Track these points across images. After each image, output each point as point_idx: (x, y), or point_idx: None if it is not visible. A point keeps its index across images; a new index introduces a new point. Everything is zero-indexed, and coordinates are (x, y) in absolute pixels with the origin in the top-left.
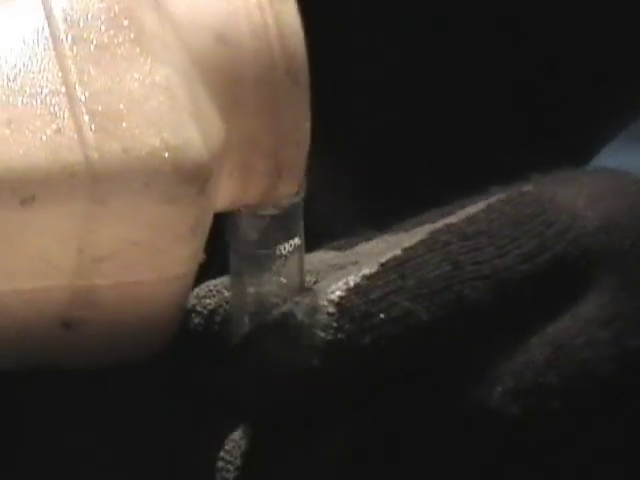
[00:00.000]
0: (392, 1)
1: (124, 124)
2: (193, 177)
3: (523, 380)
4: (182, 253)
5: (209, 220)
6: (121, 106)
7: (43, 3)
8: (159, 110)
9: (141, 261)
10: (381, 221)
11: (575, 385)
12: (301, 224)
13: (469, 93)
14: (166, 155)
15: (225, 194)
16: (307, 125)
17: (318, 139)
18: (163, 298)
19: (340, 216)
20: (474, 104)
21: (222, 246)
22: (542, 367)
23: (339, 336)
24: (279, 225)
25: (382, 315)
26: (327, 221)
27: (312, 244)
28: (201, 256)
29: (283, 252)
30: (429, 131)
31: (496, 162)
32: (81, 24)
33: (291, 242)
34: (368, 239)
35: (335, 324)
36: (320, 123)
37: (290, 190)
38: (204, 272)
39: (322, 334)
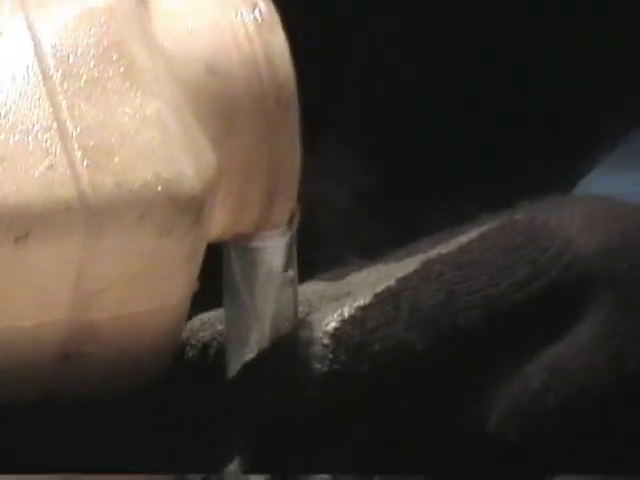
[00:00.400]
0: (392, 1)
1: (116, 158)
2: (187, 208)
3: (519, 406)
4: (178, 283)
5: (203, 249)
6: (113, 140)
7: (33, 39)
8: (151, 143)
9: (138, 293)
10: (380, 225)
11: (572, 408)
12: (294, 256)
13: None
14: (159, 188)
15: (219, 223)
16: (298, 153)
17: (316, 141)
18: (160, 328)
19: (340, 219)
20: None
21: (216, 276)
22: (538, 392)
23: (335, 367)
24: (274, 257)
25: (378, 345)
26: (326, 225)
27: (312, 250)
28: (195, 285)
29: (277, 284)
30: (429, 134)
31: (495, 164)
32: (71, 59)
33: (285, 274)
34: (359, 269)
35: (331, 355)
36: (319, 125)
37: (282, 218)
38: (199, 302)
39: (318, 365)
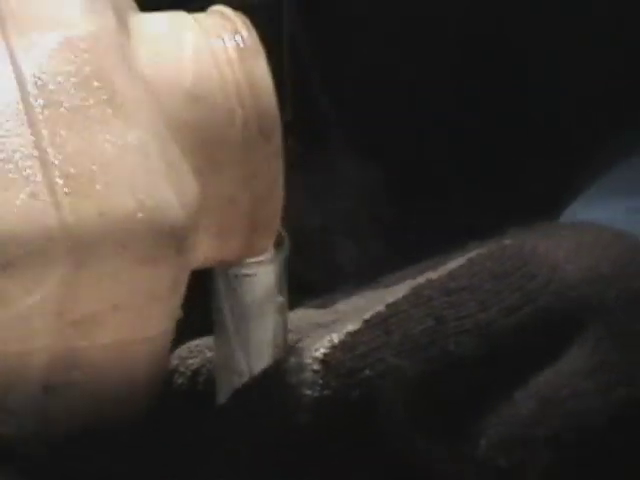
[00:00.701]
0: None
1: (98, 186)
2: (169, 237)
3: (508, 433)
4: (161, 312)
5: (186, 278)
6: (94, 168)
7: (13, 67)
8: (133, 171)
9: (120, 322)
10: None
11: (561, 437)
12: (284, 283)
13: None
14: (141, 216)
15: (202, 251)
16: (281, 181)
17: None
18: (143, 357)
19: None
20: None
21: (202, 303)
22: (527, 419)
23: (325, 393)
24: (261, 284)
25: (367, 371)
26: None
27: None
28: (179, 314)
29: (267, 311)
30: (428, 135)
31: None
32: (52, 87)
33: (275, 301)
34: (348, 296)
35: (321, 381)
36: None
37: (266, 246)
38: (186, 329)
39: (308, 392)
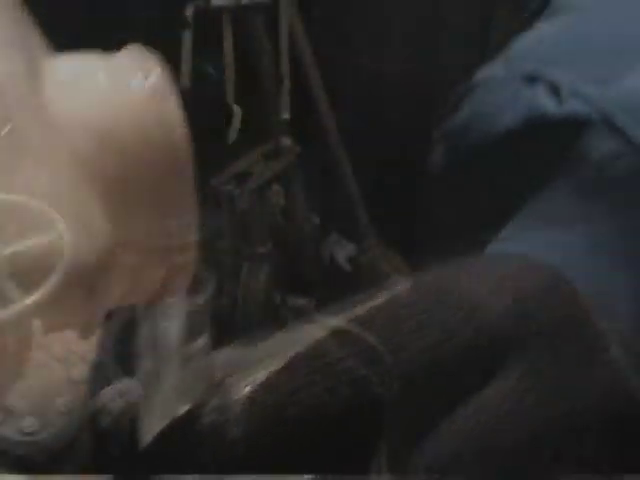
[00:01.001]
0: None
1: (7, 232)
2: (79, 280)
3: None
4: (74, 354)
5: (99, 319)
6: (3, 214)
7: None
8: (43, 217)
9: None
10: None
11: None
12: (207, 325)
13: None
14: (52, 260)
15: (117, 292)
16: (194, 221)
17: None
18: (61, 400)
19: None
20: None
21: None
22: (448, 457)
23: (249, 430)
24: (183, 325)
25: (291, 408)
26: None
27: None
28: (92, 356)
29: (190, 352)
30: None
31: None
32: None
33: (198, 342)
34: (270, 336)
35: (245, 419)
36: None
37: (181, 286)
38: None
39: (234, 429)
